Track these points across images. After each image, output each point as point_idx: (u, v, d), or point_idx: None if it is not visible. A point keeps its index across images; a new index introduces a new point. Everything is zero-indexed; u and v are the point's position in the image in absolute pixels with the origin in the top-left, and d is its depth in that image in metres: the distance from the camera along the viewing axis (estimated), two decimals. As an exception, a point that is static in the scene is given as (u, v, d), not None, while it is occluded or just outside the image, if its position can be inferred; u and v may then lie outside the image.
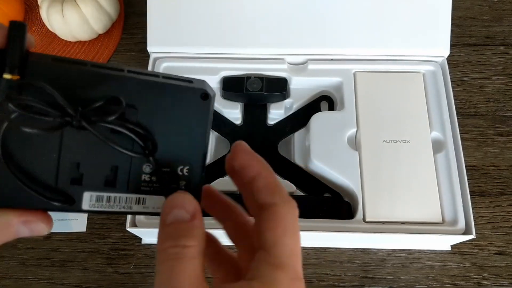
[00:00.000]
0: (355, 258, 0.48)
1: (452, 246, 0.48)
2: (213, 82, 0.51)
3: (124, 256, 0.49)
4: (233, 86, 0.49)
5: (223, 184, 0.46)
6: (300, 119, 0.50)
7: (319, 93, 0.52)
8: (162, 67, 0.52)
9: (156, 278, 0.17)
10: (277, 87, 0.50)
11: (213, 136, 0.51)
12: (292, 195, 0.40)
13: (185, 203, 0.19)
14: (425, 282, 0.47)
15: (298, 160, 0.48)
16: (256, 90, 0.49)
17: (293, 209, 0.19)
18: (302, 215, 0.34)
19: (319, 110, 0.50)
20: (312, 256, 0.48)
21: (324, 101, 0.51)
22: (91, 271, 0.48)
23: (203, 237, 0.18)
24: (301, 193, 0.47)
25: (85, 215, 0.51)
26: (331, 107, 0.51)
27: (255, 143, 0.46)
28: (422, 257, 0.48)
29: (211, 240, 0.24)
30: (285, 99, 0.50)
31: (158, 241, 0.18)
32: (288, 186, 0.46)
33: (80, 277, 0.48)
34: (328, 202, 0.43)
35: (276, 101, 0.50)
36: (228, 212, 0.23)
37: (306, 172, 0.46)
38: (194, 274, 0.17)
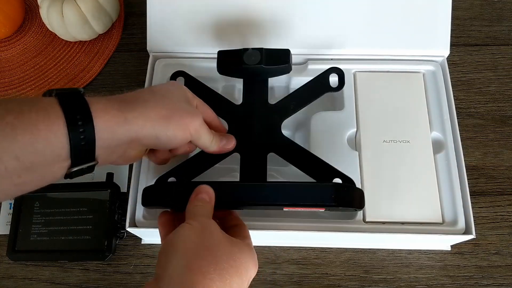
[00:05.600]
0: (355, 258, 0.48)
1: (452, 246, 0.48)
2: (213, 83, 0.51)
3: (124, 256, 0.49)
4: (229, 60, 0.45)
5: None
6: (306, 95, 0.45)
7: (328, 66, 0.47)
8: (162, 67, 0.52)
9: (188, 214, 0.33)
10: (278, 59, 0.44)
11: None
12: (297, 182, 0.37)
13: (207, 192, 0.34)
14: (425, 282, 0.47)
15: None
16: (254, 63, 0.44)
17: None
18: (309, 204, 0.35)
19: (328, 85, 0.45)
20: (312, 256, 0.48)
21: (333, 73, 0.45)
22: (91, 271, 0.48)
23: (212, 208, 0.34)
24: (306, 181, 0.46)
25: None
26: (341, 81, 0.45)
27: (256, 123, 0.43)
28: (422, 257, 0.48)
29: (171, 215, 0.37)
30: (288, 72, 0.46)
31: (189, 203, 0.34)
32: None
33: (80, 277, 0.48)
34: (338, 189, 0.36)
35: (278, 75, 0.46)
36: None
37: (313, 156, 0.41)
38: (210, 212, 0.34)
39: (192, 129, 0.35)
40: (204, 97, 0.41)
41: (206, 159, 0.41)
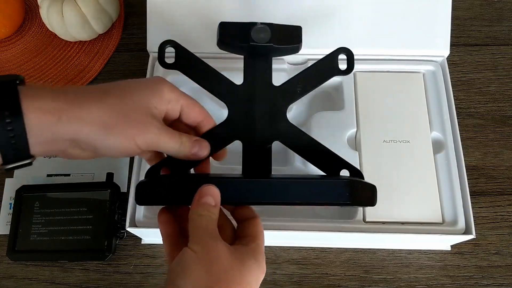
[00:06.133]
0: (355, 258, 0.48)
1: (452, 246, 0.48)
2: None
3: (124, 256, 0.49)
4: (234, 35, 0.38)
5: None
6: (313, 77, 0.40)
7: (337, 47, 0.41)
8: (161, 68, 0.51)
9: (192, 226, 0.30)
10: (290, 38, 0.39)
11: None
12: (306, 177, 0.35)
13: (213, 194, 0.31)
14: (425, 282, 0.47)
15: (297, 159, 0.48)
16: (263, 42, 0.38)
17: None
18: (322, 202, 0.33)
19: (337, 67, 0.40)
20: (312, 256, 0.48)
21: (342, 54, 0.40)
22: (91, 271, 0.48)
23: (218, 212, 0.31)
24: (311, 173, 0.45)
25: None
26: (350, 64, 0.40)
27: (260, 107, 0.38)
28: (422, 257, 0.48)
29: (175, 227, 0.34)
30: (296, 52, 0.41)
31: (192, 208, 0.30)
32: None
33: (80, 277, 0.48)
34: (353, 185, 0.33)
35: (285, 55, 0.42)
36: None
37: (320, 145, 0.38)
38: (215, 226, 0.30)
39: (140, 142, 0.31)
40: (199, 74, 0.38)
41: (211, 143, 0.36)
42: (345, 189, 0.32)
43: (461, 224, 0.43)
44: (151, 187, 0.34)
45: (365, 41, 0.51)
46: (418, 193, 0.44)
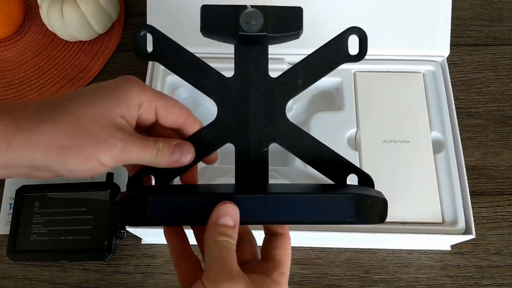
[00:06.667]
0: (355, 258, 0.48)
1: (452, 246, 0.48)
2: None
3: (124, 256, 0.49)
4: (219, 22, 0.32)
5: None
6: (317, 66, 0.33)
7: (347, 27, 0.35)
8: (162, 67, 0.51)
9: (209, 254, 0.26)
10: (288, 24, 0.32)
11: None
12: (303, 191, 0.30)
13: (232, 213, 0.26)
14: (425, 282, 0.47)
15: (297, 160, 0.47)
16: (255, 30, 0.31)
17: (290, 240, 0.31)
18: (322, 221, 0.28)
19: (346, 52, 0.34)
20: (312, 256, 0.48)
21: (354, 35, 0.34)
22: (91, 271, 0.48)
23: (237, 234, 0.27)
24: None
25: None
26: (363, 47, 0.34)
27: (254, 103, 0.32)
28: (422, 257, 0.48)
29: (182, 238, 0.30)
30: (296, 38, 0.34)
31: (208, 231, 0.26)
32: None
33: (80, 277, 0.48)
34: (360, 201, 0.28)
35: (285, 42, 0.34)
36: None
37: (324, 146, 0.33)
38: (233, 257, 0.26)
39: (105, 160, 0.26)
40: (182, 65, 0.32)
41: (198, 147, 0.31)
42: (350, 205, 0.28)
43: (461, 224, 0.43)
44: (129, 205, 0.28)
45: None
46: (418, 193, 0.44)
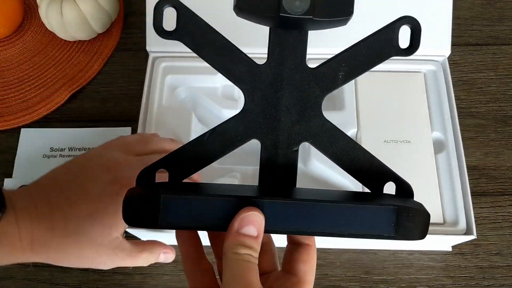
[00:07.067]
0: (355, 258, 0.48)
1: (453, 247, 0.48)
2: (213, 83, 0.51)
3: (124, 257, 0.49)
4: (258, 1, 0.28)
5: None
6: (362, 58, 0.30)
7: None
8: (162, 67, 0.51)
9: (229, 271, 0.23)
10: (338, 7, 0.29)
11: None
12: (342, 202, 0.25)
13: (256, 222, 0.23)
14: (426, 283, 0.47)
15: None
16: (300, 13, 0.27)
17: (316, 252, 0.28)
18: (356, 234, 0.25)
19: (396, 45, 0.31)
20: (313, 256, 0.48)
21: (405, 25, 0.32)
22: (91, 272, 0.48)
23: (260, 245, 0.24)
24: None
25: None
26: (415, 40, 0.32)
27: (287, 96, 0.29)
28: (423, 257, 0.48)
29: (196, 243, 0.29)
30: (342, 25, 0.30)
31: (229, 241, 0.23)
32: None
33: (80, 277, 0.48)
34: (401, 214, 0.25)
35: (329, 28, 0.31)
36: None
37: (361, 149, 0.30)
38: (255, 275, 0.24)
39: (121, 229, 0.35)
40: (209, 47, 0.29)
41: (220, 142, 0.29)
42: (389, 218, 0.25)
43: (462, 224, 0.43)
44: (140, 202, 0.25)
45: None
46: (419, 193, 0.44)
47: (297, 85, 0.29)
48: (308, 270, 0.27)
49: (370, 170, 0.30)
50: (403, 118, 0.48)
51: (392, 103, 0.49)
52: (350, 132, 0.47)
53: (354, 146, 0.30)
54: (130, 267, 0.48)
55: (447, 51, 0.51)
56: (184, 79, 0.51)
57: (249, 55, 0.31)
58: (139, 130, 0.48)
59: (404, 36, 0.31)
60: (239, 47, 0.29)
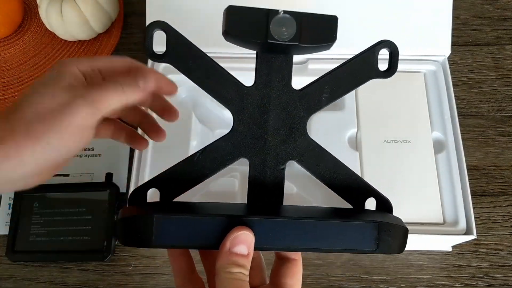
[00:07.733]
0: (355, 258, 0.48)
1: (453, 247, 0.48)
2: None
3: (123, 257, 0.49)
4: (246, 27, 0.29)
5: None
6: (345, 80, 0.32)
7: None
8: (162, 67, 0.51)
9: (219, 284, 0.24)
10: (322, 33, 0.30)
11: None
12: (328, 219, 0.27)
13: (246, 241, 0.24)
14: (425, 283, 0.47)
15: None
16: (286, 39, 0.28)
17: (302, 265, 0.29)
18: (340, 249, 0.26)
19: (376, 67, 0.33)
20: (312, 257, 0.48)
21: (384, 49, 0.33)
22: (90, 272, 0.48)
23: (250, 263, 0.25)
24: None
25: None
26: (393, 62, 0.34)
27: (273, 117, 0.30)
28: (423, 257, 0.48)
29: (188, 261, 0.29)
30: (326, 50, 0.32)
31: (221, 260, 0.24)
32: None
33: (80, 277, 0.48)
34: (382, 230, 0.26)
35: (313, 53, 0.33)
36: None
37: (344, 167, 0.32)
38: None
39: (80, 121, 0.24)
40: (197, 69, 0.30)
41: (209, 161, 0.30)
42: (371, 234, 0.26)
43: (462, 224, 0.43)
44: (131, 223, 0.25)
45: (366, 40, 0.50)
46: (419, 193, 0.44)
47: (284, 106, 0.31)
48: (295, 283, 0.28)
49: (352, 187, 0.31)
50: (403, 118, 0.48)
51: (392, 103, 0.49)
52: (350, 132, 0.47)
53: (337, 164, 0.31)
54: (130, 267, 0.48)
55: (447, 51, 0.51)
56: (184, 79, 0.51)
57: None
58: (139, 130, 0.48)
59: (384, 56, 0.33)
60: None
